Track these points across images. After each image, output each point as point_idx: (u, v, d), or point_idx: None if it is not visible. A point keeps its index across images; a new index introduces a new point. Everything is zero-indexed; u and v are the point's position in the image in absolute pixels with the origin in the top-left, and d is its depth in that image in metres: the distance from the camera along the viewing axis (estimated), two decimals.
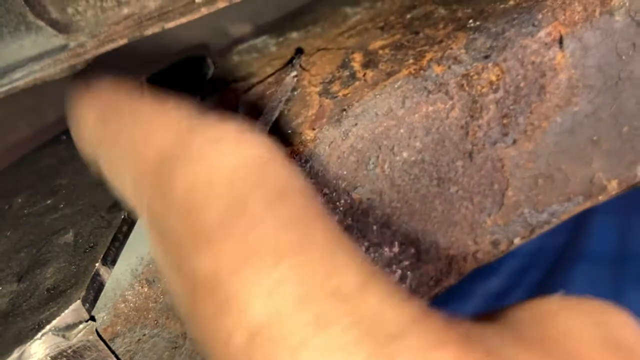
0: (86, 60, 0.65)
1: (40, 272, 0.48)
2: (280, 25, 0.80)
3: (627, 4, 0.59)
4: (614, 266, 2.36)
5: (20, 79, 0.66)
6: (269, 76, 0.65)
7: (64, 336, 0.42)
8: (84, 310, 0.43)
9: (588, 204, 0.67)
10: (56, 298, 0.44)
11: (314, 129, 0.55)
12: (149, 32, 0.63)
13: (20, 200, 0.60)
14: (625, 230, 2.43)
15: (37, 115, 0.74)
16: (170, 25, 0.62)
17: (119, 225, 0.49)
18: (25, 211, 0.58)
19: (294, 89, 0.61)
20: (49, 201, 0.58)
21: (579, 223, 2.43)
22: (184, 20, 0.61)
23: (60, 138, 0.71)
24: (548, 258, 2.39)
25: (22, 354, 0.40)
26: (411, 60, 0.59)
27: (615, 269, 2.35)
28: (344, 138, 0.56)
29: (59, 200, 0.57)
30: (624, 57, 0.61)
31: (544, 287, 2.33)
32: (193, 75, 0.72)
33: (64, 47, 0.65)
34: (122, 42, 0.63)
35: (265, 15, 0.85)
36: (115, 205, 0.52)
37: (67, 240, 0.50)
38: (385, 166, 0.59)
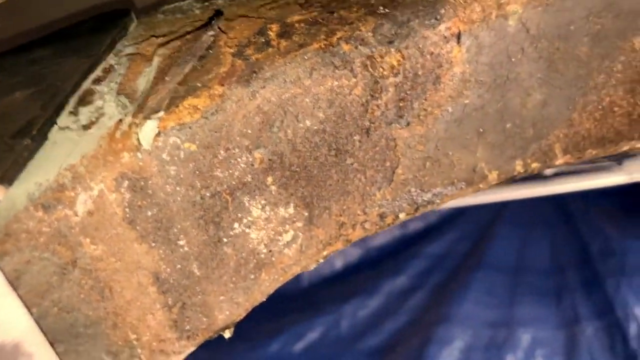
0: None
1: None
2: None
3: (520, 11, 0.65)
4: (512, 276, 2.51)
5: None
6: (187, 33, 0.68)
7: None
8: None
9: (469, 191, 0.74)
10: None
11: (223, 85, 0.59)
12: None
13: None
14: (525, 242, 2.58)
15: None
16: None
17: (20, 150, 0.51)
18: None
19: (209, 47, 0.64)
20: None
21: (484, 232, 2.56)
22: None
23: None
24: (452, 262, 2.51)
25: None
26: (323, 36, 0.64)
27: (512, 279, 2.49)
28: (251, 98, 0.60)
29: None
30: (513, 59, 0.68)
31: (445, 289, 2.44)
32: (112, 24, 0.74)
33: None
34: None
35: None
36: (20, 132, 0.53)
37: None
38: (289, 131, 0.63)
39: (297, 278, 2.46)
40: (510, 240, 2.61)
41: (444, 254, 2.59)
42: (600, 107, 0.72)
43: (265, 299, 0.70)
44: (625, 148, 0.75)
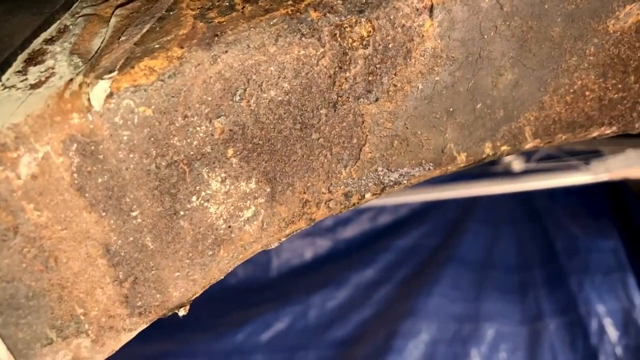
0: None
1: None
2: None
3: None
4: (478, 271, 2.52)
5: None
6: None
7: None
8: None
9: (437, 172, 0.72)
10: None
11: (182, 47, 0.56)
12: None
13: None
14: (493, 239, 2.60)
15: None
16: None
17: None
18: None
19: (169, 10, 0.61)
20: None
21: (454, 228, 2.57)
22: None
23: None
24: (421, 256, 2.51)
25: None
26: (290, 2, 0.61)
27: (479, 274, 2.51)
28: (212, 63, 0.57)
29: None
30: (485, 37, 0.66)
31: (413, 283, 2.45)
32: None
33: None
34: None
35: None
36: None
37: None
38: (252, 101, 0.61)
39: (266, 268, 2.44)
40: (478, 236, 2.63)
41: (413, 248, 2.60)
42: (571, 90, 0.70)
43: (222, 277, 0.67)
44: (595, 134, 0.74)
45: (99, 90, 0.51)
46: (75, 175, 0.52)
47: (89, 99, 0.51)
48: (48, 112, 0.50)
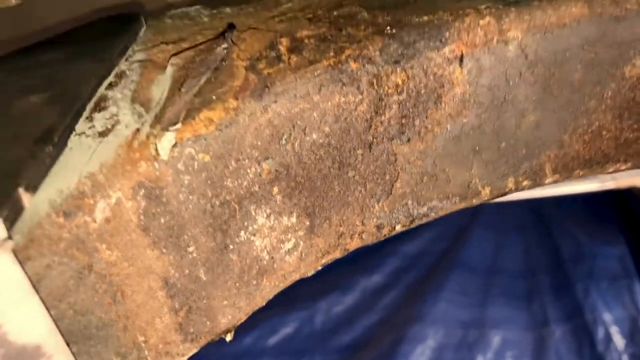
0: None
1: None
2: None
3: (520, 37, 0.69)
4: (485, 277, 2.55)
5: None
6: (200, 44, 0.70)
7: None
8: (4, 228, 0.46)
9: (462, 205, 0.77)
10: None
11: (237, 99, 0.61)
12: None
13: None
14: (499, 245, 2.64)
15: None
16: None
17: (43, 158, 0.52)
18: None
19: (223, 60, 0.66)
20: None
21: (460, 234, 2.61)
22: None
23: None
24: (427, 262, 2.54)
25: None
26: (332, 53, 0.66)
27: (485, 280, 2.54)
28: (263, 112, 0.62)
29: None
30: (511, 82, 0.71)
31: (419, 288, 2.48)
32: (125, 29, 0.75)
33: None
34: None
35: None
36: (40, 138, 0.55)
37: None
38: (296, 144, 0.66)
39: None
40: (484, 242, 2.65)
41: (420, 253, 2.63)
42: (590, 130, 0.76)
43: (264, 304, 0.72)
44: (611, 170, 0.79)
45: (166, 142, 0.56)
46: (141, 217, 0.57)
47: (156, 149, 0.56)
48: (119, 162, 0.55)
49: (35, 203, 0.51)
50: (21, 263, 0.49)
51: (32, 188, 0.50)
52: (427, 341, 2.37)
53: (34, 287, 0.50)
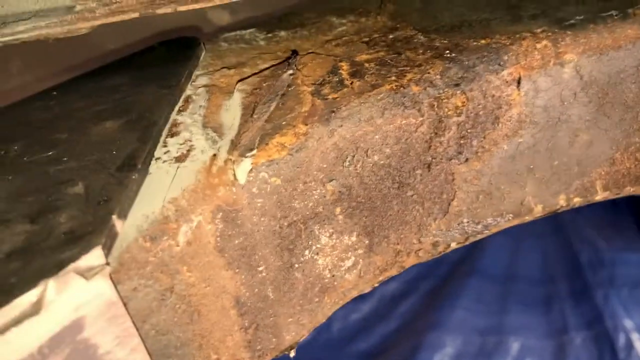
0: (92, 26, 0.69)
1: (53, 217, 0.52)
2: (268, 22, 0.86)
3: (576, 60, 0.70)
4: (503, 284, 2.56)
5: (23, 32, 0.70)
6: (264, 70, 0.72)
7: (83, 275, 0.47)
8: (103, 255, 0.48)
9: (516, 222, 0.79)
10: (75, 241, 0.49)
11: (306, 124, 0.63)
12: (161, 10, 0.68)
13: (16, 148, 0.64)
14: (517, 251, 2.64)
15: (32, 67, 0.77)
16: (182, 8, 0.68)
17: (130, 185, 0.54)
18: (25, 159, 0.61)
19: (289, 85, 0.68)
20: (50, 153, 0.62)
21: (477, 241, 2.61)
22: (196, 6, 0.67)
23: (50, 94, 0.74)
24: (444, 269, 2.55)
25: (44, 290, 0.45)
26: (393, 77, 0.68)
27: (503, 287, 2.54)
28: (330, 136, 0.64)
29: (61, 153, 0.61)
30: (565, 103, 0.73)
31: (437, 296, 2.49)
32: (185, 53, 0.77)
33: (70, 9, 0.69)
34: (134, 15, 0.68)
35: (247, 10, 0.91)
36: (124, 165, 0.57)
37: (78, 191, 0.55)
38: (358, 165, 0.68)
39: None
40: (502, 249, 2.66)
41: (437, 260, 2.61)
42: None
43: (325, 320, 0.74)
44: None
45: (244, 167, 0.58)
46: (218, 239, 0.59)
47: (234, 174, 0.58)
48: (200, 187, 0.57)
49: (124, 228, 0.53)
50: (115, 286, 0.51)
51: (124, 215, 0.52)
52: (445, 349, 2.38)
53: (126, 308, 0.52)
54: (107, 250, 0.49)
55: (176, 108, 0.68)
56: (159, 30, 0.84)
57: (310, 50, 0.76)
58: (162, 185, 0.57)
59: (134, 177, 0.55)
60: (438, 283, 2.51)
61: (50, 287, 0.46)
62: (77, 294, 0.47)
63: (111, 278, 0.51)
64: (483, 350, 2.37)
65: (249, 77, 0.71)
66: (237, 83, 0.70)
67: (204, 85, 0.72)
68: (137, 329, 0.54)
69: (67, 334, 0.47)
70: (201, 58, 0.78)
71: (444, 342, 2.35)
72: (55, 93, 0.74)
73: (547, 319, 2.45)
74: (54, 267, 0.47)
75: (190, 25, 0.87)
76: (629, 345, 2.33)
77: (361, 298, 2.48)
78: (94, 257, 0.48)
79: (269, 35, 0.82)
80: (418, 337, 2.36)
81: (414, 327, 2.41)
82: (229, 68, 0.75)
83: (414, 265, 2.55)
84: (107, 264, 0.49)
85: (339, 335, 2.38)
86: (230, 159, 0.59)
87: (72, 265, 0.47)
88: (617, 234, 2.62)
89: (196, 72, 0.75)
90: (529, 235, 2.62)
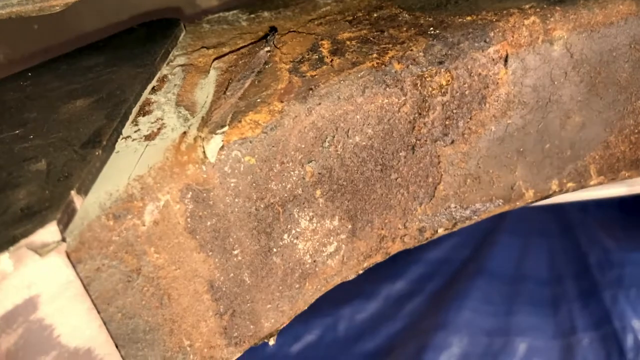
0: (66, 4, 0.67)
1: (12, 193, 0.50)
2: (251, 3, 0.84)
3: (566, 37, 0.68)
4: (510, 285, 2.52)
5: None
6: (241, 47, 0.70)
7: (36, 252, 0.45)
8: (58, 231, 0.46)
9: (506, 208, 0.76)
10: (30, 217, 0.47)
11: (282, 102, 0.60)
12: None
13: None
14: (524, 251, 2.61)
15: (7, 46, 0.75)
16: None
17: (93, 161, 0.52)
18: None
19: (266, 63, 0.66)
20: (17, 131, 0.60)
21: (484, 240, 2.58)
22: None
23: (25, 74, 0.72)
24: (451, 269, 2.52)
25: None
26: (375, 55, 0.66)
27: (510, 287, 2.51)
28: (307, 114, 0.62)
29: (28, 131, 0.59)
30: (556, 82, 0.70)
31: (444, 296, 2.46)
32: (166, 34, 0.75)
33: None
34: None
35: None
36: (89, 142, 0.55)
37: (40, 168, 0.53)
38: (339, 146, 0.65)
39: None
40: (509, 248, 2.63)
41: (443, 260, 2.61)
42: (636, 130, 0.74)
43: (306, 308, 0.72)
44: None
45: (214, 144, 0.56)
46: (188, 219, 0.57)
47: (204, 152, 0.56)
48: (167, 164, 0.55)
49: (86, 206, 0.51)
50: (73, 265, 0.49)
51: (84, 191, 0.50)
52: (452, 349, 2.35)
53: (85, 289, 0.49)
54: (64, 226, 0.47)
55: (150, 87, 0.66)
56: (143, 11, 0.82)
57: (292, 29, 0.73)
58: (128, 163, 0.55)
59: (97, 153, 0.53)
60: (444, 283, 2.48)
61: (1, 263, 0.44)
62: (30, 271, 0.45)
63: (70, 256, 0.49)
64: (490, 351, 2.34)
65: (225, 54, 0.68)
66: (213, 61, 0.68)
67: (181, 65, 0.70)
68: (100, 311, 0.52)
69: (20, 312, 0.45)
70: (180, 38, 0.76)
71: (451, 343, 2.32)
72: (30, 74, 0.72)
73: (555, 319, 2.41)
74: (6, 243, 0.45)
75: (176, 7, 0.85)
76: (637, 345, 2.29)
77: (366, 298, 2.46)
78: (49, 233, 0.46)
79: (252, 16, 0.79)
80: (424, 338, 2.33)
81: (420, 327, 2.38)
82: (207, 48, 0.73)
83: (419, 265, 2.52)
84: (63, 239, 0.47)
85: (345, 335, 2.36)
86: (200, 136, 0.56)
87: (25, 241, 0.45)
88: (626, 234, 2.58)
89: (175, 53, 0.73)
90: (536, 234, 2.59)
